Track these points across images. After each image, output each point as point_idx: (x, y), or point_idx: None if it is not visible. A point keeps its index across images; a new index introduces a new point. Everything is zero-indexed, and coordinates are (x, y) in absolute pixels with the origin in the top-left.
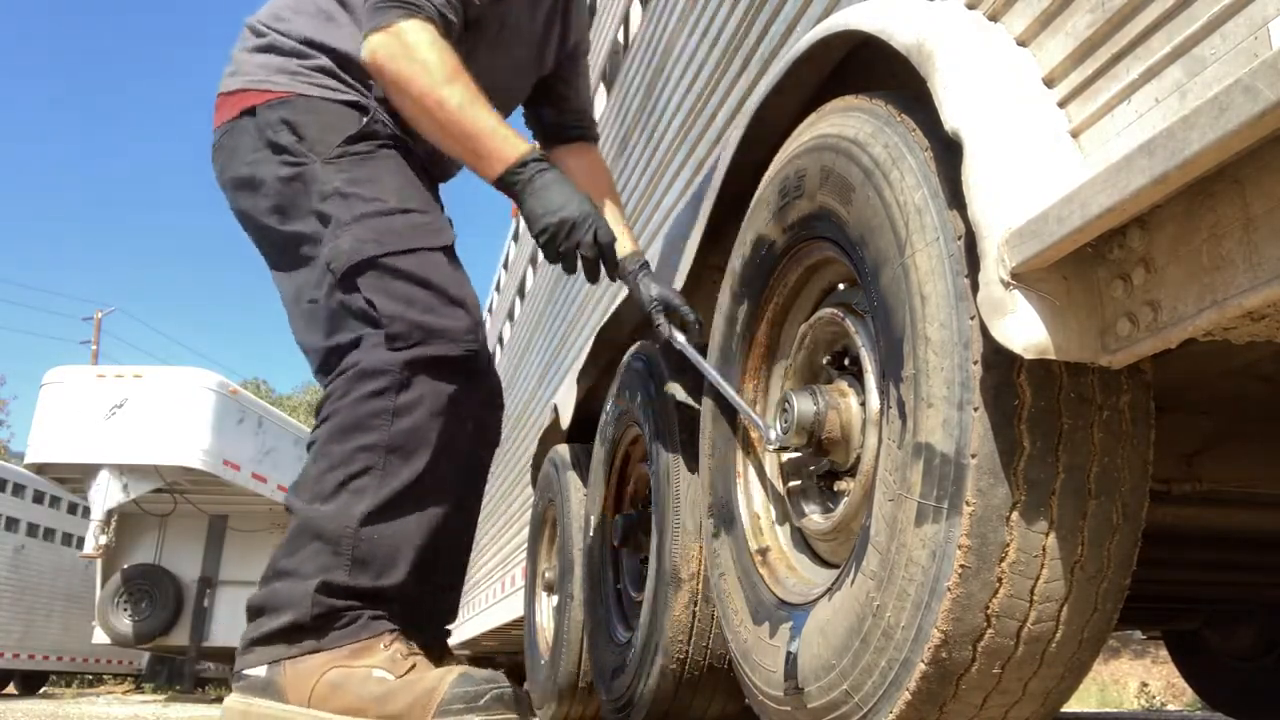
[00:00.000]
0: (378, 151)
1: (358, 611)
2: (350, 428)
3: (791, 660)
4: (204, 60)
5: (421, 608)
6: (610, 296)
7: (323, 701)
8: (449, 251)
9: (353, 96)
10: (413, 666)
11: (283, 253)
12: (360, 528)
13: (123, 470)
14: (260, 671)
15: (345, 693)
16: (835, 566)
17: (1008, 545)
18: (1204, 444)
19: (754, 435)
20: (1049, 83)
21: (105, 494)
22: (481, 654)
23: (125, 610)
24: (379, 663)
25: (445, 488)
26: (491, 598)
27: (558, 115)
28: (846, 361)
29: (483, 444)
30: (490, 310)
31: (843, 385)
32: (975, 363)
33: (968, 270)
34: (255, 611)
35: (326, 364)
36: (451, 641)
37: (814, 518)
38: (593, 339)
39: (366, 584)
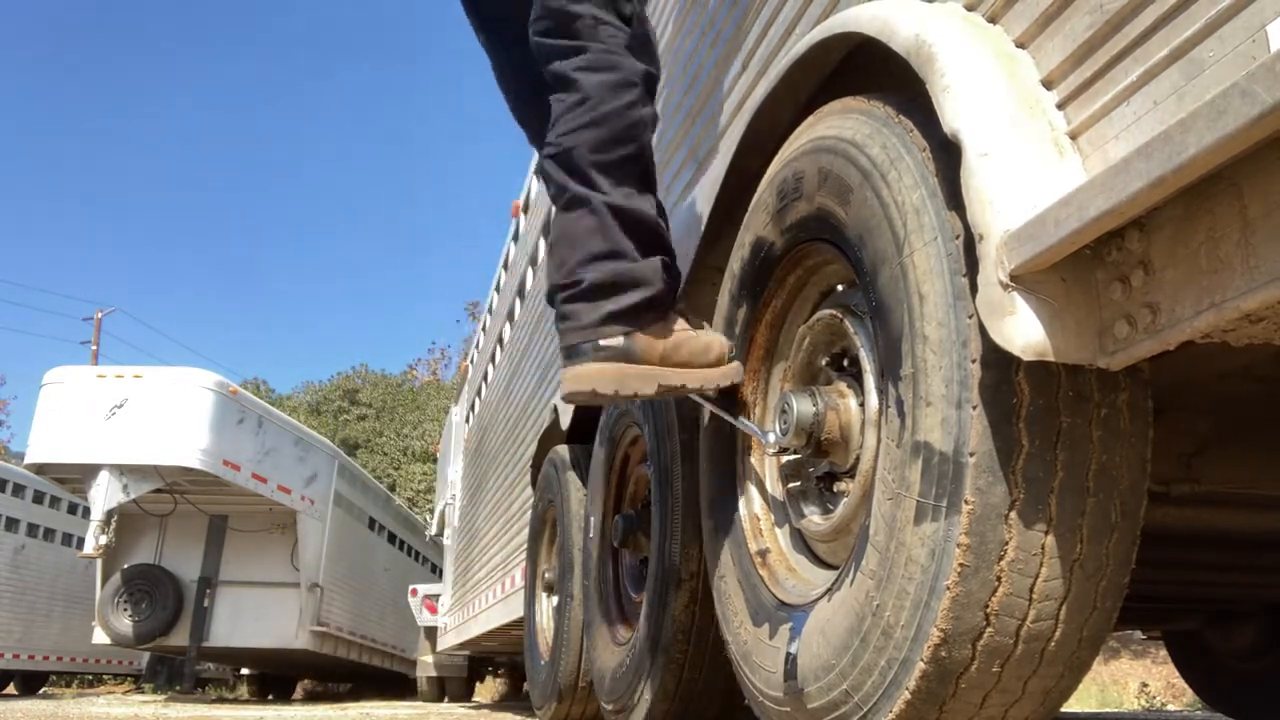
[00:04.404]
0: None
1: (669, 291)
2: (619, 139)
3: (791, 661)
4: (204, 62)
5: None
6: None
7: (668, 359)
8: None
9: None
10: (699, 326)
11: None
12: (652, 216)
13: (123, 470)
14: (617, 341)
15: (681, 349)
16: (835, 567)
17: (1007, 543)
18: (1203, 445)
19: (753, 437)
20: (1048, 84)
21: (105, 494)
22: (481, 654)
23: (125, 610)
24: (688, 324)
25: None
26: (492, 598)
27: None
28: (845, 362)
29: None
30: (490, 310)
31: (841, 386)
32: (973, 361)
33: (966, 270)
34: (607, 288)
35: (565, 16)
36: (451, 641)
37: (813, 519)
38: None
39: (670, 254)
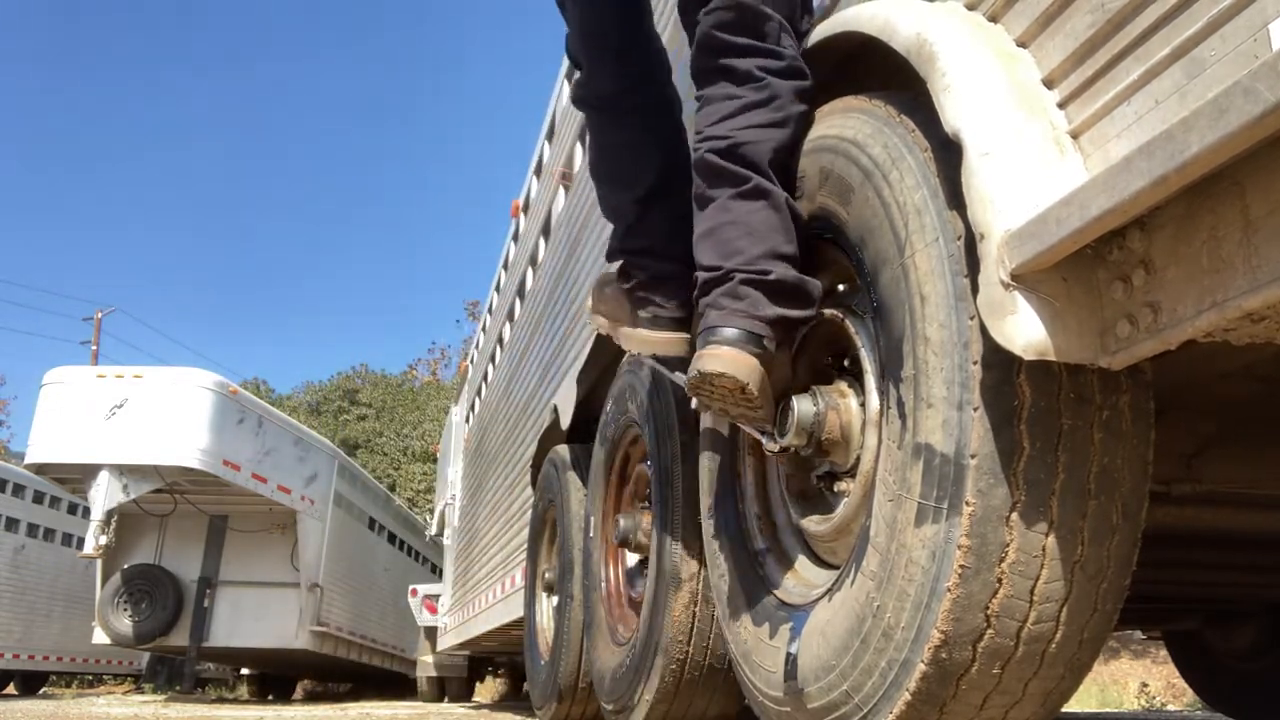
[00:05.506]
0: None
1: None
2: (797, 145)
3: (791, 661)
4: (206, 62)
5: None
6: None
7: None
8: None
9: None
10: None
11: None
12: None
13: (123, 470)
14: (772, 346)
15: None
16: (835, 568)
17: (1007, 545)
18: (1204, 445)
19: (754, 436)
20: (1049, 84)
21: (105, 494)
22: (481, 654)
23: (125, 610)
24: None
25: None
26: (492, 598)
27: None
28: (846, 362)
29: None
30: (490, 310)
31: (842, 386)
32: (975, 363)
33: (967, 270)
34: (789, 292)
35: (757, 15)
36: (451, 641)
37: (814, 519)
38: (593, 339)
39: None
